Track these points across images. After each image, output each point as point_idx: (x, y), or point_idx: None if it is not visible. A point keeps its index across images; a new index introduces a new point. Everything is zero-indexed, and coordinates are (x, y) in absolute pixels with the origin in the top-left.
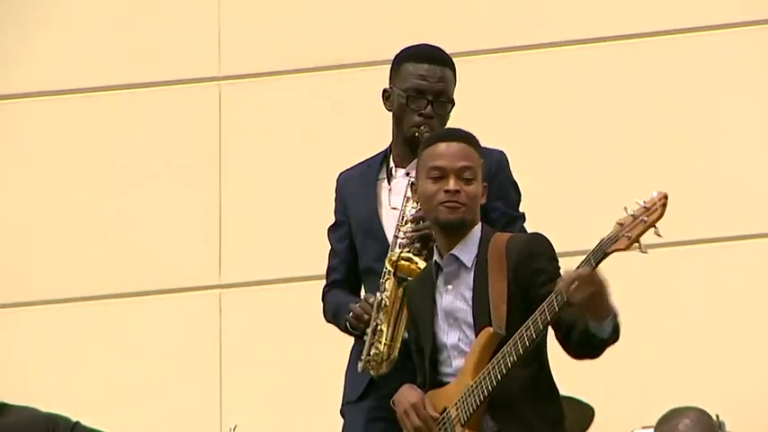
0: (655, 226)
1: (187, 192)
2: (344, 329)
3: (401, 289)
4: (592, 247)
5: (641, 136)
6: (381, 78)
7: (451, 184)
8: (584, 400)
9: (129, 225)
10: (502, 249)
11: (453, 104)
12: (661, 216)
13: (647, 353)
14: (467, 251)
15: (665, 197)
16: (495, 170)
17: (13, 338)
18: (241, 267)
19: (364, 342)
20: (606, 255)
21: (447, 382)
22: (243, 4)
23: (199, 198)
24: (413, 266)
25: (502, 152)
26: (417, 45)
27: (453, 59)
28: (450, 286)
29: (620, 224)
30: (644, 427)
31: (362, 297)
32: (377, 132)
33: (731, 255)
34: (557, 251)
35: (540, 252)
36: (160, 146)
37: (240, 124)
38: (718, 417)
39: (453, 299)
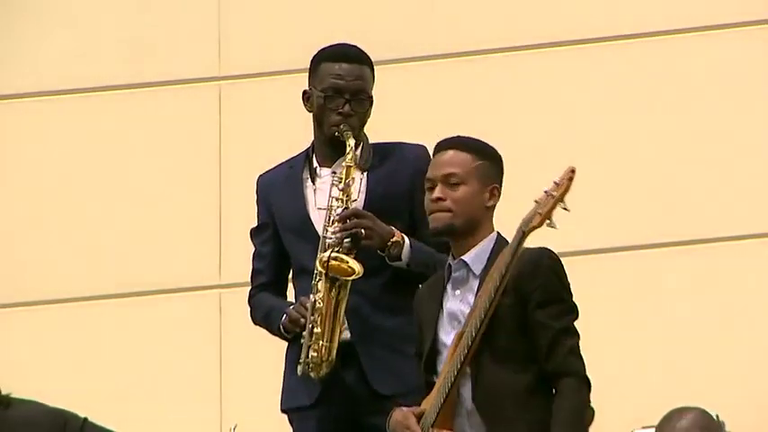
0: (562, 200)
1: (187, 192)
2: (277, 333)
3: (334, 289)
4: (591, 247)
5: (642, 136)
6: (381, 78)
7: (435, 192)
8: None
9: (129, 225)
10: (508, 261)
11: (372, 101)
12: (567, 189)
13: (647, 353)
14: (478, 259)
15: (573, 171)
16: (421, 165)
17: (13, 338)
18: (241, 267)
19: (301, 345)
20: (525, 234)
21: None
22: (243, 4)
23: (199, 198)
24: (343, 266)
25: (424, 147)
26: (334, 45)
27: (454, 59)
28: (458, 291)
29: (537, 202)
30: (644, 427)
31: (299, 301)
32: (376, 132)
33: (731, 255)
34: (555, 251)
35: (546, 270)
36: (160, 146)
37: (240, 124)
38: (718, 417)
39: (459, 303)
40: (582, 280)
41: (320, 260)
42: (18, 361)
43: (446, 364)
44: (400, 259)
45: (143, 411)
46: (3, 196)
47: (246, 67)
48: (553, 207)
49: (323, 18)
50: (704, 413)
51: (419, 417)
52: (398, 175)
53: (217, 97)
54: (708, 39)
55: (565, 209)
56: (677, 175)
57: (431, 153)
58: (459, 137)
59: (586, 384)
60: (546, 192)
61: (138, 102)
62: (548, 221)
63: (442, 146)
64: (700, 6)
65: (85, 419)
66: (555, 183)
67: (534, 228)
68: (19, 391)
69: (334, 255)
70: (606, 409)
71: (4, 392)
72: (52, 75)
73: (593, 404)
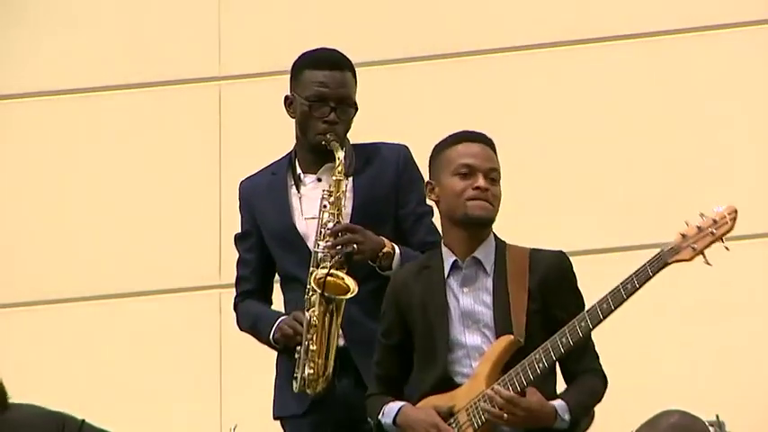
0: (722, 240)
1: (187, 192)
2: (266, 342)
3: (329, 307)
4: (591, 247)
5: (642, 136)
6: (381, 78)
7: (481, 181)
8: None
9: (129, 225)
10: (524, 262)
11: (356, 108)
12: (731, 230)
13: (647, 352)
14: (487, 256)
15: (735, 211)
16: (404, 164)
17: (13, 338)
18: None
19: (295, 358)
20: (666, 265)
21: (460, 383)
22: (243, 4)
23: (199, 198)
24: (339, 282)
25: (405, 146)
26: (316, 50)
27: (454, 59)
28: (466, 288)
29: (684, 235)
30: None
31: (292, 315)
32: (376, 132)
33: (731, 255)
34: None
35: (569, 274)
36: (160, 146)
37: (240, 124)
38: (718, 417)
39: (473, 301)
40: (582, 280)
41: (315, 278)
42: (18, 361)
43: (486, 369)
44: (391, 269)
45: (143, 411)
46: (3, 196)
47: (246, 67)
48: (710, 244)
49: (322, 18)
50: (686, 415)
51: (445, 416)
52: (381, 179)
53: (217, 97)
54: (708, 39)
55: (726, 249)
56: (677, 174)
57: (427, 155)
58: (484, 134)
59: (605, 384)
60: (698, 227)
61: (138, 102)
62: (702, 258)
63: (474, 138)
64: (700, 6)
65: (83, 421)
66: (713, 220)
67: (683, 261)
68: (19, 391)
69: (331, 272)
70: (606, 409)
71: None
72: (52, 75)
73: None
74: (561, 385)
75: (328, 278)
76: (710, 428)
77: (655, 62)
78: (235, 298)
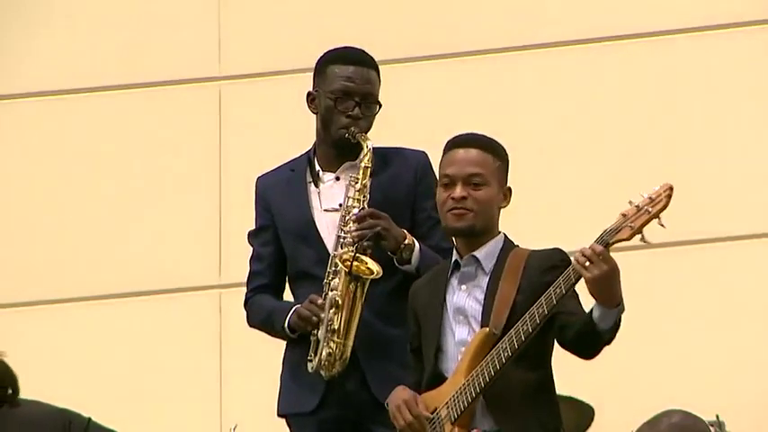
0: (659, 217)
1: (187, 192)
2: (280, 332)
3: (353, 287)
4: None
5: (641, 136)
6: (381, 78)
7: (458, 191)
8: (584, 400)
9: (129, 225)
10: (521, 260)
11: (380, 106)
12: (665, 207)
13: (648, 353)
14: (488, 256)
15: (671, 188)
16: (422, 172)
17: (13, 338)
18: (241, 267)
19: (311, 341)
20: (609, 245)
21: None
22: (243, 4)
23: (199, 198)
24: (362, 267)
25: (424, 153)
26: (341, 48)
27: (454, 59)
28: (464, 286)
29: (624, 215)
30: None
31: (309, 299)
32: (375, 132)
33: (731, 255)
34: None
35: (557, 266)
36: (160, 146)
37: (240, 124)
38: (718, 417)
39: (466, 297)
40: (582, 280)
41: (341, 258)
42: (18, 361)
43: (465, 362)
44: (410, 263)
45: (143, 411)
46: (3, 196)
47: (246, 67)
48: (647, 222)
49: (323, 18)
50: (688, 415)
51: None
52: (400, 182)
53: (217, 97)
54: (708, 39)
55: (661, 225)
56: (677, 175)
57: (430, 155)
58: (477, 134)
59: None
60: (637, 206)
61: (138, 102)
62: (640, 236)
63: (462, 143)
64: (700, 6)
65: (90, 419)
66: (649, 197)
67: (622, 240)
68: (20, 391)
69: (355, 255)
70: (606, 409)
71: (10, 392)
72: (52, 75)
73: (592, 404)
74: (564, 384)
75: (355, 262)
76: (710, 428)
77: (655, 62)
78: (246, 294)
